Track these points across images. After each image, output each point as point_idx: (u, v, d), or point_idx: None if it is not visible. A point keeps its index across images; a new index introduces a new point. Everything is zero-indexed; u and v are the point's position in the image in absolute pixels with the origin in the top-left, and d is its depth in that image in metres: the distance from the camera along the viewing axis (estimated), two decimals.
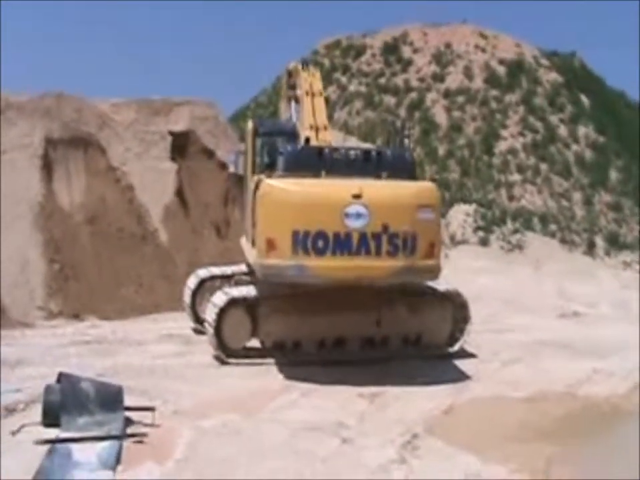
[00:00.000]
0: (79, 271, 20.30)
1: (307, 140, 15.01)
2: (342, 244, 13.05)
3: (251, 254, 14.66)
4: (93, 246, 21.28)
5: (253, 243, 14.54)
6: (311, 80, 17.20)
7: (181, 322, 17.83)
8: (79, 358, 14.43)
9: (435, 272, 13.99)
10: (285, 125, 16.67)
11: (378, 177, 13.90)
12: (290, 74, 18.95)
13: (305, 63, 18.09)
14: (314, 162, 13.86)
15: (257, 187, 14.29)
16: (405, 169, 14.43)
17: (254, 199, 14.48)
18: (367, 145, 28.46)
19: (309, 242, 12.97)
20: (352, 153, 14.56)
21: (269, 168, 15.05)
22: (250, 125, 16.39)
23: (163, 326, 17.90)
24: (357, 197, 13.10)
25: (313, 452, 9.84)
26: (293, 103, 17.81)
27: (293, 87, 18.13)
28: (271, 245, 13.09)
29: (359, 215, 13.05)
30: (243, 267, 17.06)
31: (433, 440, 10.61)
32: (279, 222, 13.10)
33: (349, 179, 13.61)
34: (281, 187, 13.39)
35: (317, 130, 15.99)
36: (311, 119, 16.25)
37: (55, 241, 20.46)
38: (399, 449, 10.17)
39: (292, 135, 15.98)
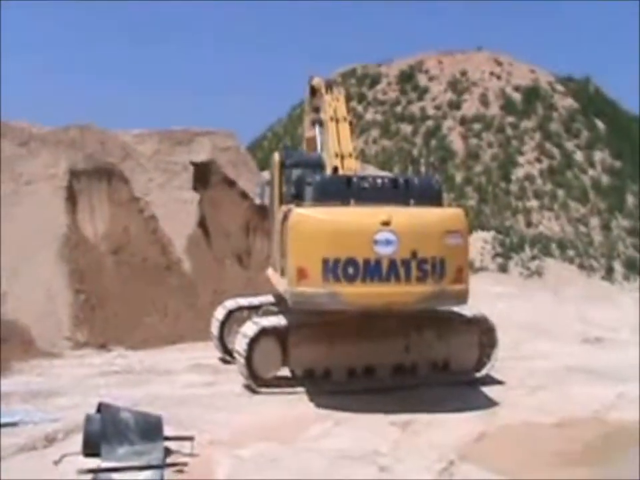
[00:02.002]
0: (104, 301, 20.38)
1: (335, 169, 15.14)
2: (372, 270, 13.14)
3: (281, 283, 14.71)
4: (118, 276, 21.37)
5: (282, 273, 14.64)
6: (335, 105, 17.24)
7: (207, 351, 17.85)
8: (109, 388, 14.50)
9: (463, 296, 14.08)
10: (311, 155, 16.73)
11: (406, 204, 13.97)
12: (313, 90, 19.05)
13: (329, 86, 18.15)
14: (342, 191, 13.95)
15: (286, 216, 14.40)
16: (432, 196, 14.51)
17: (283, 228, 14.59)
18: (385, 173, 28.54)
19: (340, 269, 13.06)
20: (380, 180, 14.64)
21: (296, 198, 15.16)
22: (276, 156, 16.48)
23: (189, 355, 17.91)
24: (386, 223, 13.22)
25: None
26: (317, 127, 17.78)
27: (316, 109, 18.16)
28: (301, 274, 13.17)
29: (388, 242, 13.17)
30: (269, 297, 17.12)
31: (468, 467, 10.68)
32: (310, 250, 13.20)
33: (378, 206, 13.67)
34: (311, 216, 13.52)
35: (342, 158, 16.09)
36: (336, 146, 16.32)
37: (80, 272, 20.56)
38: (436, 475, 10.24)
39: (317, 165, 16.06)
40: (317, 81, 19.29)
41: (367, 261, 13.12)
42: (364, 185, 14.24)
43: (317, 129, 17.73)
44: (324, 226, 13.32)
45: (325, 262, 13.06)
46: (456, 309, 15.19)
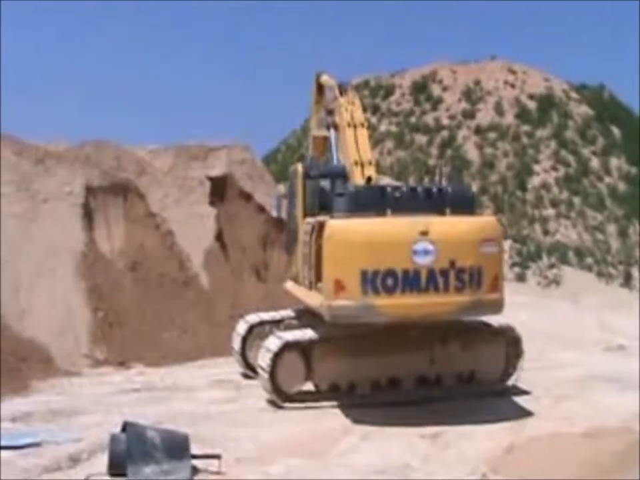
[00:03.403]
0: (122, 317, 20.26)
1: (369, 179, 14.95)
2: (411, 281, 13.01)
3: (311, 296, 14.48)
4: (136, 292, 21.28)
5: (311, 286, 14.45)
6: (351, 109, 17.08)
7: (228, 367, 17.72)
8: (131, 406, 14.34)
9: (499, 305, 13.94)
10: (334, 166, 16.52)
11: (440, 213, 13.79)
12: (320, 87, 18.90)
13: (344, 88, 17.99)
14: (376, 201, 13.72)
15: (316, 228, 14.23)
16: (465, 205, 14.31)
17: (313, 241, 14.38)
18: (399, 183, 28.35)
19: (378, 281, 12.89)
20: (413, 190, 14.49)
21: (322, 209, 15.10)
22: (299, 168, 16.23)
23: (210, 372, 17.76)
24: (424, 233, 13.10)
25: None
26: (332, 131, 17.63)
27: (330, 111, 17.95)
28: (339, 286, 12.95)
29: (426, 252, 13.04)
30: (291, 311, 16.94)
31: (500, 479, 10.49)
32: (347, 262, 12.97)
33: (413, 216, 13.50)
34: (348, 227, 13.29)
35: (362, 166, 15.96)
36: (355, 154, 16.17)
37: (98, 289, 20.45)
38: None
39: (341, 176, 15.89)
40: (326, 79, 19.11)
41: (405, 271, 13.00)
42: (398, 195, 14.05)
43: (332, 132, 17.57)
44: (362, 237, 13.11)
45: (364, 274, 12.88)
46: (482, 318, 15.02)
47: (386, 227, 13.37)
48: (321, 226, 14.08)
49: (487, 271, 13.50)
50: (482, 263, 13.45)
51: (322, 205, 15.43)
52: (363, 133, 16.78)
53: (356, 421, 13.19)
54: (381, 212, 13.49)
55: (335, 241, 13.20)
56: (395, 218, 13.48)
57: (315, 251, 14.31)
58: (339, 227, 13.36)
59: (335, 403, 14.18)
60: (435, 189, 14.55)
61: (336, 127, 17.39)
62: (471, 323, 15.07)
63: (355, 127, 16.67)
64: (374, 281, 12.88)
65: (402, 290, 12.98)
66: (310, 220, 15.12)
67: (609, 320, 26.82)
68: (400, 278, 12.96)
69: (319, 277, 14.06)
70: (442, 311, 13.37)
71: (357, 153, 16.15)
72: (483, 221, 14.63)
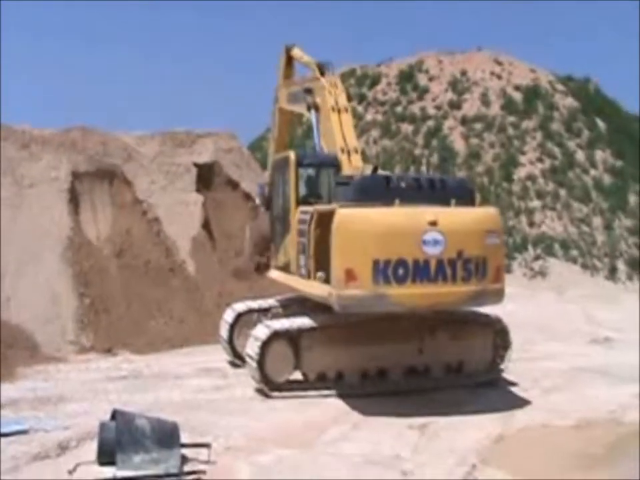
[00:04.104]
0: (108, 304, 20.17)
1: (375, 169, 15.00)
2: (421, 271, 13.03)
3: (312, 286, 14.30)
4: (122, 279, 21.17)
5: (309, 275, 14.34)
6: (335, 93, 16.95)
7: (214, 355, 17.68)
8: (118, 394, 14.31)
9: (501, 295, 14.08)
10: (326, 155, 16.39)
11: (445, 204, 13.72)
12: (289, 61, 18.83)
13: (325, 69, 17.75)
14: (382, 190, 13.67)
15: (320, 217, 14.08)
16: (466, 196, 14.36)
17: (314, 230, 14.22)
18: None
19: (390, 270, 12.87)
20: (417, 180, 14.44)
21: (311, 198, 15.12)
22: (292, 156, 16.03)
23: (197, 359, 17.71)
24: (433, 224, 13.11)
25: None
26: (313, 112, 17.36)
27: (309, 91, 17.69)
28: (350, 276, 12.88)
29: (436, 242, 13.08)
30: (279, 300, 16.87)
31: (490, 471, 10.55)
32: (358, 252, 12.92)
33: (418, 206, 13.52)
34: (359, 217, 13.22)
35: (348, 153, 15.90)
36: (341, 141, 16.09)
37: (84, 275, 20.34)
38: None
39: (333, 165, 15.81)
40: (299, 54, 19.01)
41: (416, 261, 13.01)
42: (403, 185, 14.02)
43: (313, 114, 17.42)
44: (373, 227, 13.06)
45: (375, 263, 12.85)
46: (470, 310, 15.02)
47: (396, 217, 13.31)
48: (323, 215, 14.01)
49: (490, 261, 13.62)
50: (486, 254, 13.56)
51: (313, 194, 15.42)
52: (348, 119, 16.68)
53: (344, 410, 13.22)
54: (387, 202, 13.38)
55: (347, 230, 13.09)
56: (403, 208, 13.41)
57: (315, 240, 14.22)
58: (350, 216, 13.24)
59: (323, 393, 14.15)
60: (437, 180, 14.59)
61: (317, 108, 17.25)
62: (459, 314, 15.08)
63: (339, 111, 16.57)
64: (385, 271, 12.86)
65: (412, 279, 12.99)
66: (306, 208, 14.94)
67: (595, 312, 26.89)
68: (410, 268, 12.97)
69: (318, 266, 14.00)
70: (450, 300, 13.49)
71: (343, 140, 16.07)
72: (486, 213, 14.64)
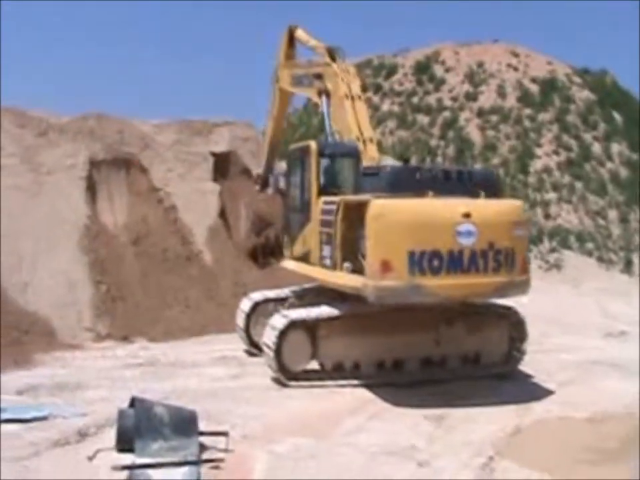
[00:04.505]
0: (125, 292, 20.24)
1: (407, 160, 15.22)
2: (455, 262, 13.12)
3: (339, 277, 14.27)
4: (138, 267, 21.25)
5: (335, 266, 14.33)
6: (348, 80, 16.87)
7: (231, 344, 17.67)
8: (136, 381, 14.34)
9: (527, 287, 14.22)
10: (347, 145, 16.35)
11: (474, 195, 13.81)
12: (291, 41, 18.76)
13: (336, 54, 17.71)
14: (413, 182, 13.72)
15: (347, 207, 14.09)
16: (492, 188, 14.44)
17: (342, 220, 14.23)
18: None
19: (425, 261, 12.94)
20: (446, 172, 14.50)
21: (330, 188, 15.23)
22: (313, 145, 15.93)
23: (213, 348, 17.72)
24: (467, 215, 13.20)
25: (392, 476, 9.77)
26: (324, 99, 17.39)
27: (319, 76, 17.69)
28: (386, 267, 12.87)
29: (469, 233, 13.17)
30: (296, 289, 16.88)
31: (506, 463, 10.52)
32: (395, 243, 12.93)
33: (449, 197, 13.59)
34: (396, 208, 13.21)
35: (364, 143, 15.90)
36: (356, 130, 16.08)
37: (101, 262, 20.43)
38: (477, 472, 10.09)
39: (353, 155, 15.81)
40: (303, 36, 18.93)
41: (450, 252, 13.10)
42: (432, 176, 14.08)
43: (324, 100, 17.38)
44: (409, 217, 13.08)
45: (411, 254, 12.89)
46: (487, 301, 15.03)
47: (431, 208, 13.36)
48: (350, 205, 14.06)
49: (518, 252, 13.77)
50: (514, 245, 13.69)
51: (333, 183, 15.46)
52: (362, 107, 16.65)
53: (361, 401, 13.25)
54: (418, 193, 13.43)
55: (383, 221, 13.06)
56: (437, 199, 13.47)
57: (342, 231, 14.24)
58: (386, 206, 13.20)
59: (340, 383, 14.19)
60: (465, 172, 14.73)
61: (328, 94, 17.20)
62: (475, 305, 15.08)
63: (352, 99, 16.52)
64: (421, 262, 12.92)
65: (447, 270, 13.08)
66: (330, 198, 14.92)
67: (610, 305, 26.85)
68: (445, 258, 13.06)
69: (345, 257, 14.06)
70: (481, 291, 13.65)
71: (358, 130, 16.06)
72: (513, 205, 14.71)
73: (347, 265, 13.93)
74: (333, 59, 17.49)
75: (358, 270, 13.63)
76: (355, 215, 13.72)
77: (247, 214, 23.69)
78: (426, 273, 12.95)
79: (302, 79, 18.68)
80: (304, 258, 16.08)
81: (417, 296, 13.03)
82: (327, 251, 14.80)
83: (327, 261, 14.74)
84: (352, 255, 13.86)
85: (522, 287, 14.07)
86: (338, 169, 15.95)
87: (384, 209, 13.14)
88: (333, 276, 14.47)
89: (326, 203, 15.00)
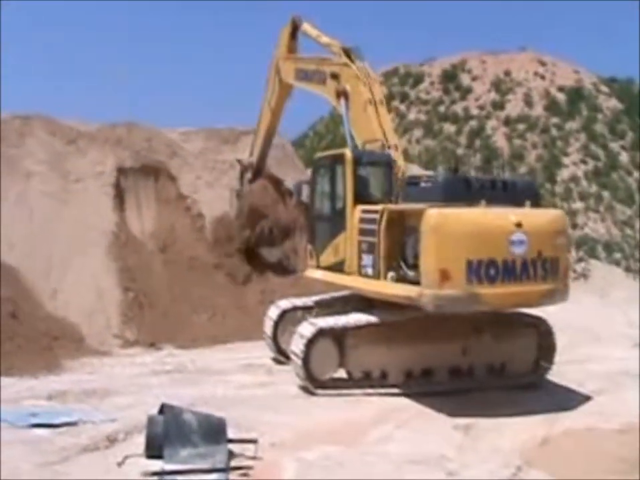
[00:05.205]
0: (152, 299, 20.32)
1: (456, 169, 15.34)
2: (509, 271, 13.20)
3: (384, 286, 14.20)
4: (166, 274, 21.32)
5: (378, 275, 14.31)
6: (369, 83, 16.79)
7: (258, 351, 17.71)
8: (163, 388, 14.38)
9: (567, 294, 14.33)
10: (382, 154, 16.34)
11: (519, 205, 13.90)
12: (294, 33, 18.73)
13: (351, 53, 17.55)
14: (464, 191, 13.73)
15: (406, 216, 14.05)
16: (533, 197, 14.46)
17: (387, 229, 14.22)
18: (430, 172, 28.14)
19: (482, 270, 12.99)
20: (492, 182, 14.54)
21: (364, 197, 15.27)
22: (348, 154, 15.77)
23: (240, 355, 17.76)
24: (519, 224, 13.27)
25: None
26: (343, 102, 17.26)
27: (335, 76, 17.59)
28: (445, 276, 12.87)
29: (521, 242, 13.28)
30: (323, 298, 16.85)
31: (535, 473, 10.47)
32: (454, 252, 12.94)
33: (498, 207, 13.66)
34: (454, 217, 13.21)
35: (389, 149, 15.91)
36: (381, 136, 16.11)
37: (129, 269, 20.55)
38: None
39: (389, 164, 15.84)
40: (311, 30, 18.85)
41: (505, 261, 13.18)
42: (481, 186, 14.09)
43: (343, 103, 17.28)
44: (468, 227, 13.10)
45: (469, 263, 12.92)
46: (514, 311, 14.97)
47: (486, 218, 13.42)
48: (395, 214, 14.13)
49: (561, 261, 13.97)
50: (558, 254, 13.90)
51: (366, 192, 15.58)
52: (385, 112, 16.56)
53: (389, 409, 13.19)
54: (469, 203, 13.46)
55: (442, 231, 13.04)
56: (489, 209, 13.52)
57: (386, 239, 14.22)
58: (444, 216, 13.17)
59: (367, 391, 14.16)
60: (509, 182, 14.78)
61: (346, 96, 17.14)
62: (503, 315, 14.99)
63: (375, 104, 16.46)
64: (478, 271, 12.96)
65: (502, 279, 13.15)
66: (372, 207, 14.87)
67: (637, 316, 26.61)
68: (500, 267, 13.13)
69: (389, 266, 14.09)
70: (531, 299, 13.76)
71: (384, 136, 16.03)
72: (557, 214, 15.00)
73: (391, 274, 13.97)
74: (350, 59, 17.35)
75: (401, 278, 13.73)
76: (401, 224, 13.88)
77: (240, 205, 23.47)
78: (483, 282, 12.99)
79: (311, 75, 18.58)
80: (336, 267, 15.97)
81: (473, 305, 13.10)
82: (367, 259, 14.74)
83: (369, 270, 14.67)
84: (395, 263, 13.92)
85: (564, 294, 14.21)
86: (372, 178, 15.92)
87: (444, 218, 13.12)
88: (377, 285, 14.41)
89: (365, 211, 14.98)
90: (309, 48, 20.56)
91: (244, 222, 23.06)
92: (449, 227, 13.02)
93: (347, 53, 17.60)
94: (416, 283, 13.28)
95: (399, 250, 13.97)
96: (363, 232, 14.92)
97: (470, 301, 12.93)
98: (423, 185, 14.25)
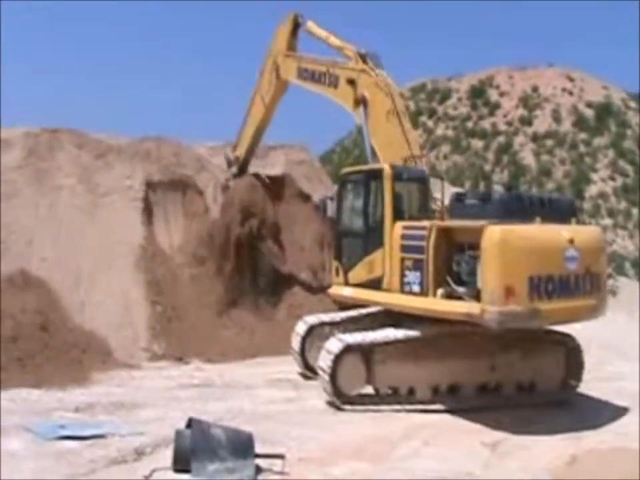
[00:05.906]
0: (180, 312, 20.38)
1: (510, 188, 15.78)
2: (564, 286, 13.46)
3: (431, 303, 14.23)
4: (194, 288, 21.36)
5: (426, 292, 14.33)
6: (391, 92, 16.76)
7: (285, 366, 17.69)
8: (191, 402, 14.42)
9: (606, 309, 14.70)
10: (417, 171, 16.41)
11: (564, 221, 14.22)
12: (294, 31, 18.90)
13: (368, 58, 17.45)
14: (517, 208, 13.92)
15: (474, 233, 13.72)
16: (574, 215, 14.80)
17: (435, 245, 14.23)
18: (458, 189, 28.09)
19: (542, 286, 13.16)
20: (540, 199, 14.74)
21: (401, 213, 15.49)
22: (387, 169, 15.74)
23: (268, 370, 17.76)
24: (571, 241, 13.56)
25: None
26: (362, 109, 17.17)
27: (351, 82, 17.49)
28: (509, 292, 12.94)
29: (573, 258, 13.57)
30: (351, 314, 16.79)
31: None
32: (517, 268, 13.04)
33: (550, 224, 13.87)
34: (516, 234, 13.30)
35: (414, 162, 15.92)
36: (406, 148, 16.14)
37: (157, 283, 20.62)
38: None
39: (422, 180, 15.97)
40: (315, 28, 18.79)
41: (560, 277, 13.42)
42: (531, 203, 14.32)
43: (362, 112, 17.23)
44: (529, 244, 13.23)
45: (531, 279, 13.05)
46: (544, 328, 14.96)
47: (543, 234, 13.61)
48: (444, 230, 14.23)
49: (602, 276, 14.47)
50: (601, 270, 14.38)
51: (402, 208, 15.74)
52: (407, 123, 16.53)
53: (416, 426, 13.16)
54: (523, 220, 13.58)
55: (506, 247, 13.10)
56: (544, 226, 13.70)
57: (436, 256, 14.21)
58: (507, 233, 13.22)
59: (394, 407, 14.15)
60: (554, 200, 15.18)
61: (365, 104, 17.09)
62: (531, 331, 14.93)
63: (398, 114, 16.42)
64: (539, 286, 13.12)
65: (559, 295, 13.37)
66: (416, 223, 14.98)
67: None
68: (557, 283, 13.35)
69: (438, 282, 14.12)
70: (580, 314, 14.17)
71: (408, 148, 16.05)
72: (597, 230, 15.56)
73: (441, 290, 14.01)
74: (365, 63, 17.25)
75: (449, 295, 13.85)
76: (450, 241, 14.04)
77: (226, 201, 23.32)
78: (542, 298, 13.15)
79: (319, 77, 18.45)
80: (369, 284, 15.96)
81: (535, 320, 13.31)
82: (412, 276, 14.70)
83: (415, 287, 14.63)
84: (443, 280, 14.01)
85: (604, 309, 14.59)
86: (408, 194, 15.95)
87: (507, 235, 13.18)
88: (425, 302, 14.36)
89: (408, 227, 15.04)
90: (309, 48, 20.69)
91: (231, 219, 22.61)
92: (512, 243, 13.12)
93: (363, 58, 17.49)
94: (463, 299, 13.49)
95: (448, 266, 14.02)
96: (406, 248, 14.92)
97: (531, 316, 13.09)
98: (468, 201, 14.36)
